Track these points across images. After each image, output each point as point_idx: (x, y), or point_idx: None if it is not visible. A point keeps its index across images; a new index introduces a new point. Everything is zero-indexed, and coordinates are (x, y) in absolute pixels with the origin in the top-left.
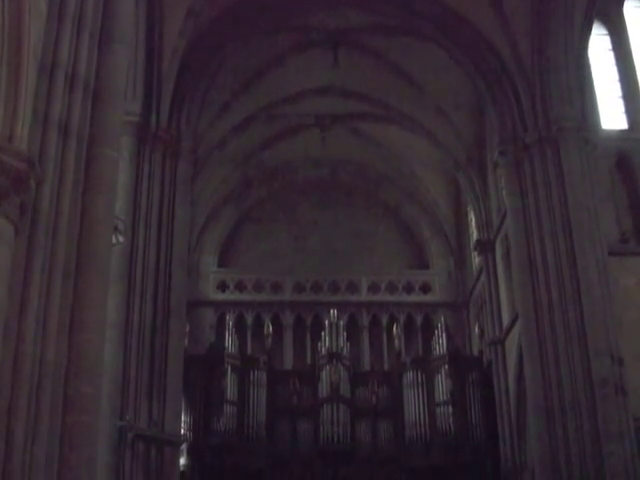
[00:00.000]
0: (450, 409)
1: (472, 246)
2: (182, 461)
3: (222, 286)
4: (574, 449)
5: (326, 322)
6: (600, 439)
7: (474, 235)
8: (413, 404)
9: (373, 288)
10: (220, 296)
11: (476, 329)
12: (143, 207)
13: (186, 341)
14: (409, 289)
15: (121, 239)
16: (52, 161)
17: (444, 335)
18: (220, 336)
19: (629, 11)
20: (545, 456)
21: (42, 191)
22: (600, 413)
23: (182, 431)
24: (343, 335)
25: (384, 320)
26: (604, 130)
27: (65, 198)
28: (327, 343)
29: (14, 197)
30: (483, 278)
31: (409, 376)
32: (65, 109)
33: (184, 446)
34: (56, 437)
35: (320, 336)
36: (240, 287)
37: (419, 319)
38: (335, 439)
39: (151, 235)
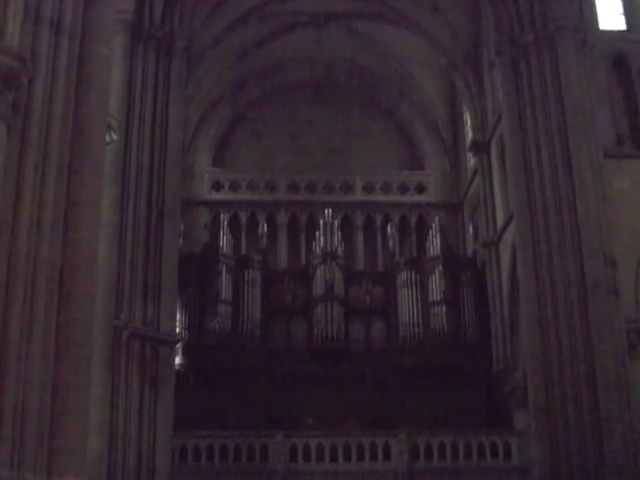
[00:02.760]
0: (443, 309)
1: (467, 147)
2: (177, 360)
3: (216, 186)
4: (566, 348)
5: (321, 222)
6: (592, 339)
7: (469, 136)
8: (407, 304)
9: (368, 188)
10: (214, 196)
11: (470, 230)
12: (137, 106)
13: (180, 241)
14: (404, 189)
15: (114, 137)
16: (44, 59)
17: (438, 236)
18: (214, 236)
19: None
20: (537, 355)
21: (34, 89)
22: (592, 314)
23: (177, 330)
24: (337, 235)
25: (378, 220)
26: (602, 31)
27: (58, 96)
28: (321, 243)
29: (6, 95)
30: (478, 179)
31: (403, 276)
32: (57, 6)
33: (179, 345)
34: (51, 334)
35: (315, 236)
36: (235, 187)
37: (413, 219)
38: (329, 338)
39: (145, 134)
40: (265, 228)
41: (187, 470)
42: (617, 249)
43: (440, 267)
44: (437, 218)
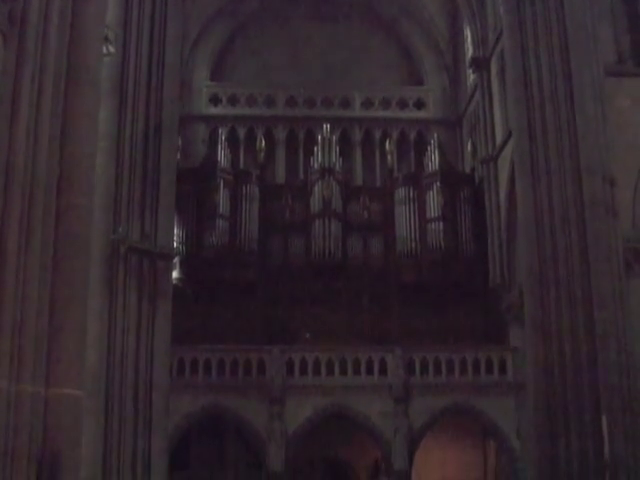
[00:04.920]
0: (441, 225)
1: (467, 63)
2: (175, 274)
3: (215, 100)
4: (562, 266)
5: (319, 137)
6: (588, 257)
7: (469, 52)
8: (404, 220)
9: (366, 103)
10: (212, 110)
11: (469, 146)
12: (134, 18)
13: (178, 155)
14: (403, 105)
15: (112, 49)
16: None
17: (437, 152)
18: (212, 151)
19: None
20: (533, 271)
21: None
22: (590, 233)
23: (175, 245)
24: (336, 150)
25: (377, 136)
26: None
27: (54, 7)
28: (320, 158)
29: (1, 5)
30: (477, 95)
31: (401, 192)
32: None
33: (177, 259)
34: (49, 247)
35: (313, 151)
36: (233, 101)
37: (412, 135)
38: (326, 253)
39: (143, 47)
40: (263, 143)
41: (184, 383)
42: (616, 168)
43: (438, 183)
44: (436, 134)
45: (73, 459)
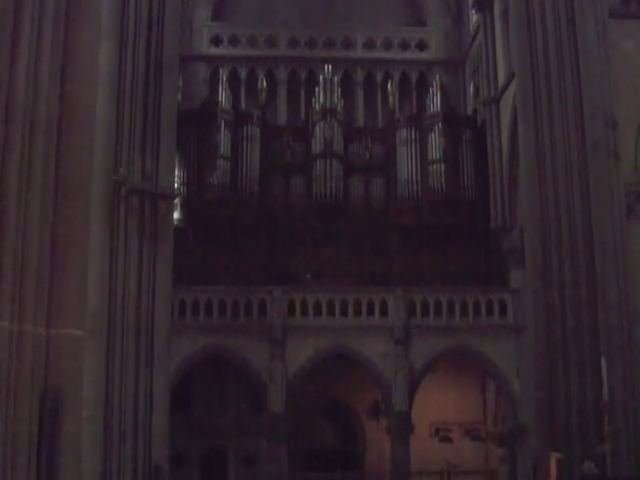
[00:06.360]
0: (443, 167)
1: (470, 3)
2: (176, 215)
3: (215, 40)
4: (564, 209)
5: (320, 78)
6: (590, 200)
7: None
8: (406, 161)
9: (368, 44)
10: (213, 51)
11: (471, 88)
12: None
13: (179, 96)
14: (405, 46)
15: None
16: None
17: (439, 93)
18: (213, 91)
19: None
20: (534, 214)
21: None
22: (591, 176)
23: (176, 185)
24: (337, 91)
25: (379, 77)
26: None
27: None
28: (321, 99)
29: None
30: (480, 37)
31: (403, 133)
32: None
33: (178, 200)
34: (50, 188)
35: (314, 92)
36: (234, 42)
37: (414, 77)
38: (328, 195)
39: None
40: (264, 84)
41: (186, 324)
42: (618, 111)
43: (440, 125)
44: (438, 76)
45: (75, 398)
